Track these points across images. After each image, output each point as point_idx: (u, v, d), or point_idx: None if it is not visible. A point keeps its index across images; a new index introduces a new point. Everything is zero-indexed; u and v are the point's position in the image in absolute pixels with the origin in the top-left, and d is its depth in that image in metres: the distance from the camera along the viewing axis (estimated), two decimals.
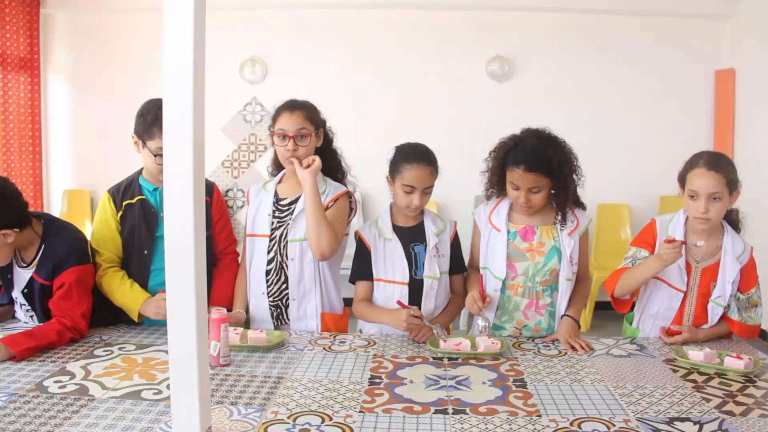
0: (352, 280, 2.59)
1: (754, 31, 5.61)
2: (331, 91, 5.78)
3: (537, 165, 2.38)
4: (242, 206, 6.08)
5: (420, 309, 2.46)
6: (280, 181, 2.67)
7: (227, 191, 6.09)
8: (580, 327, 2.50)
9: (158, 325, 2.49)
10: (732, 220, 2.54)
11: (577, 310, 2.53)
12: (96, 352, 2.20)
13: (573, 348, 2.33)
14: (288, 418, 1.69)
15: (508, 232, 2.52)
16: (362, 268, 2.55)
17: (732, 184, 2.37)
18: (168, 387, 1.82)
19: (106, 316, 2.55)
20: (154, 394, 1.83)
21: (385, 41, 5.99)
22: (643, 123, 5.98)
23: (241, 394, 1.85)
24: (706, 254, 2.47)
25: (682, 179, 2.43)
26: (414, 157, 2.45)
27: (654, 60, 5.98)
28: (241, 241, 2.75)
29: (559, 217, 2.50)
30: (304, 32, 6.00)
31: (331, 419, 1.69)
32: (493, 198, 2.61)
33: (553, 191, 2.46)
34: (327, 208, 2.57)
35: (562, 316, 2.49)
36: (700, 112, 6.05)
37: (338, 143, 2.76)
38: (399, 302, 2.41)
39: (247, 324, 2.63)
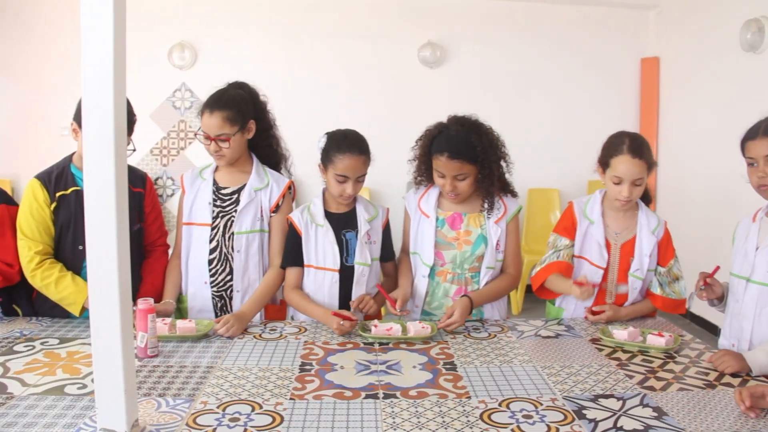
0: (283, 265, 2.57)
1: (678, 20, 5.80)
2: (261, 77, 5.68)
3: (461, 152, 2.39)
4: (172, 194, 5.97)
5: (351, 296, 2.48)
6: (216, 169, 2.63)
7: (156, 179, 5.96)
8: (472, 309, 2.47)
9: (84, 318, 2.42)
10: (644, 197, 2.63)
11: (481, 294, 2.51)
12: (16, 348, 2.12)
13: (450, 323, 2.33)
14: (217, 407, 1.67)
15: (437, 218, 2.55)
16: (293, 254, 2.53)
17: (651, 167, 2.47)
18: (93, 381, 1.78)
19: (21, 298, 2.49)
20: (79, 388, 1.78)
21: (317, 26, 5.95)
22: (572, 109, 6.12)
23: (169, 385, 1.82)
24: (623, 231, 2.56)
25: (605, 162, 2.50)
26: (346, 146, 2.43)
27: (583, 48, 6.14)
28: (172, 229, 2.70)
29: (486, 205, 2.53)
30: (234, 17, 5.91)
31: (261, 407, 1.68)
32: (423, 185, 2.62)
33: (479, 177, 2.48)
34: (277, 206, 2.58)
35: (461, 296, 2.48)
36: (626, 99, 6.24)
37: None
38: (335, 313, 2.33)
39: (184, 314, 2.60)
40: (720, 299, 2.36)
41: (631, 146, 2.43)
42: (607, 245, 2.55)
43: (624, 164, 2.42)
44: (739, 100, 4.78)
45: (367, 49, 5.98)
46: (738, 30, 4.78)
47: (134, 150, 2.41)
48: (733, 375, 1.96)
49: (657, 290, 2.56)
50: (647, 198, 2.64)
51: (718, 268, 2.36)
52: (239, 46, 5.90)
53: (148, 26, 5.68)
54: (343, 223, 2.53)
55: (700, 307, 2.27)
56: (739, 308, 2.24)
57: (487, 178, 2.46)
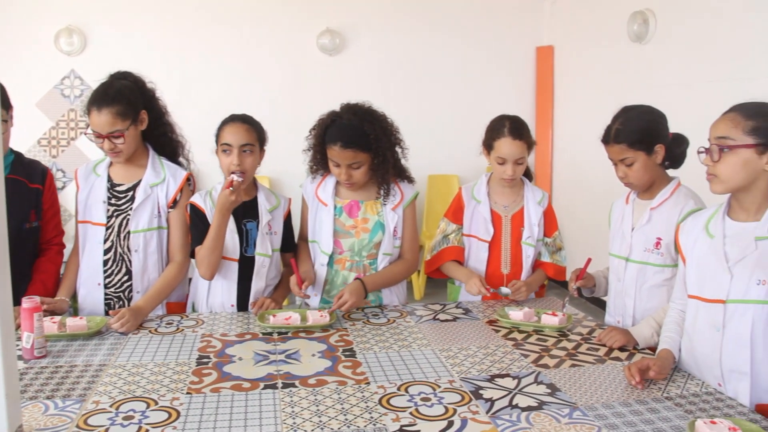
0: (194, 246, 2.49)
1: (571, 10, 6.00)
2: (155, 64, 5.51)
3: (354, 141, 2.41)
4: (63, 187, 5.70)
5: (251, 287, 2.47)
6: (111, 164, 2.53)
7: None
8: (366, 294, 2.50)
9: None
10: (526, 174, 2.77)
11: (374, 278, 2.55)
12: None
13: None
14: (110, 406, 1.62)
15: (335, 207, 2.56)
16: (202, 233, 2.45)
17: (531, 147, 2.61)
18: None
19: None
20: None
21: (213, 11, 5.78)
22: (470, 95, 6.21)
23: (58, 386, 1.74)
24: (511, 204, 2.71)
25: (489, 145, 2.61)
26: (230, 119, 2.46)
27: (481, 35, 6.24)
28: (65, 223, 2.58)
29: (382, 192, 2.56)
30: (126, 0, 5.67)
31: (156, 404, 1.63)
32: (319, 173, 2.63)
33: (374, 165, 2.49)
34: (175, 201, 2.49)
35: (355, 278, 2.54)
36: (523, 86, 6.39)
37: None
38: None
39: (75, 314, 2.49)
40: (594, 287, 2.52)
41: (511, 129, 2.55)
42: (496, 219, 2.69)
43: (506, 146, 2.54)
44: (628, 88, 4.99)
45: (266, 36, 5.86)
46: (626, 21, 4.99)
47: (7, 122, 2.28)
48: (621, 349, 2.06)
49: (547, 259, 2.73)
50: (529, 175, 2.79)
51: (589, 260, 2.50)
52: (132, 31, 5.67)
53: (32, 8, 5.39)
54: (243, 212, 2.49)
55: None
56: (621, 287, 2.37)
57: (381, 165, 2.48)
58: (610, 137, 2.29)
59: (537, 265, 2.74)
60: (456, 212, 2.74)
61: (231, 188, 2.32)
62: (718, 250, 1.83)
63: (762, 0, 3.76)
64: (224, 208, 2.36)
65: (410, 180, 2.65)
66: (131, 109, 2.39)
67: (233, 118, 2.46)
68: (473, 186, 2.76)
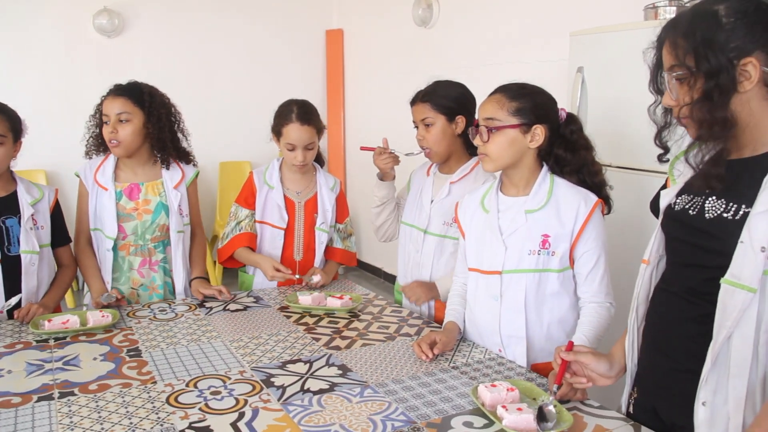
0: None
1: None
2: None
3: (126, 91, 2.43)
4: None
5: (21, 289, 2.29)
6: None
7: None
8: (208, 279, 2.63)
9: None
10: (318, 160, 2.80)
11: (201, 267, 2.66)
12: None
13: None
14: None
15: (115, 191, 2.48)
16: None
17: (320, 131, 2.65)
18: None
19: None
20: None
21: None
22: (260, 80, 6.14)
23: None
24: (304, 190, 2.74)
25: (277, 131, 2.62)
26: None
27: (269, 18, 6.16)
28: None
29: (163, 170, 2.55)
30: None
31: None
32: (95, 156, 2.54)
33: (146, 132, 2.46)
34: None
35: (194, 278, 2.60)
36: (313, 69, 6.45)
37: None
38: None
39: None
40: None
41: (299, 114, 2.57)
42: (290, 205, 2.70)
43: (295, 131, 2.56)
44: (414, 70, 5.19)
45: (33, 16, 5.33)
46: (411, 6, 5.22)
47: None
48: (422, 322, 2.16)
49: (339, 245, 2.80)
50: (320, 161, 2.83)
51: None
52: None
53: None
54: (1, 209, 2.30)
55: (392, 265, 2.50)
56: (420, 258, 2.47)
57: (155, 132, 2.46)
58: (418, 98, 2.38)
59: (328, 250, 2.79)
60: (248, 198, 2.72)
61: None
62: (493, 224, 1.96)
63: None
64: None
65: (191, 162, 2.66)
66: None
67: None
68: (265, 170, 2.74)
